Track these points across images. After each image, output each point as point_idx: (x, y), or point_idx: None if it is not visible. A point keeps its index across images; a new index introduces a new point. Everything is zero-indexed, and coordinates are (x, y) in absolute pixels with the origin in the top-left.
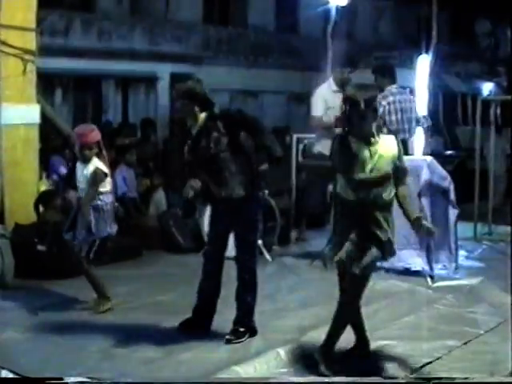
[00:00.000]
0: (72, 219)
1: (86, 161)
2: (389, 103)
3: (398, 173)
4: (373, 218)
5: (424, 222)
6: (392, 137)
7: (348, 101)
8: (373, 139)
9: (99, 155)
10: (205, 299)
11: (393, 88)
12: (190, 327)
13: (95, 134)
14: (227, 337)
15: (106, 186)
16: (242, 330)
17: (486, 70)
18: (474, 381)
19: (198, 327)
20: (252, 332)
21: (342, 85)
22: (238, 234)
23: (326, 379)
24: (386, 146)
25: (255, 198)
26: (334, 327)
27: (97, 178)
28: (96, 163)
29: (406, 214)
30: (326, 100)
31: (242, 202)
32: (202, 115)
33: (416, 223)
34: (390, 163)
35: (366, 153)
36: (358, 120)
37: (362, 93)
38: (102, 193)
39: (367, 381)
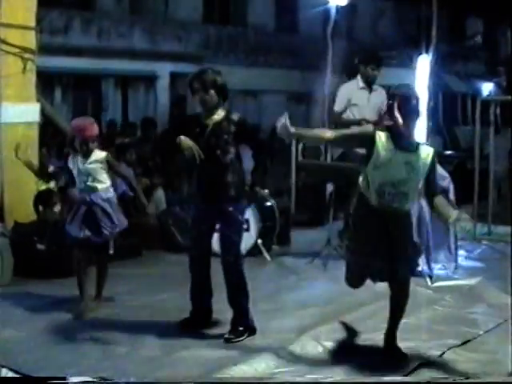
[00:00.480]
0: (85, 217)
1: (88, 154)
2: None
3: (430, 185)
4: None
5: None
6: (430, 148)
7: (398, 98)
8: (414, 142)
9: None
10: (199, 301)
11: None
12: (189, 326)
13: (95, 127)
14: (226, 336)
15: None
16: (240, 329)
17: (484, 70)
18: (474, 381)
19: (196, 326)
20: (251, 331)
21: (368, 82)
22: (224, 235)
23: (327, 379)
24: (423, 155)
25: (243, 201)
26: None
27: (113, 162)
28: (99, 153)
29: (443, 218)
30: (349, 97)
31: (231, 204)
32: (222, 112)
33: (456, 223)
34: (423, 173)
35: (405, 156)
36: (407, 118)
37: (413, 91)
38: (109, 185)
39: (367, 381)
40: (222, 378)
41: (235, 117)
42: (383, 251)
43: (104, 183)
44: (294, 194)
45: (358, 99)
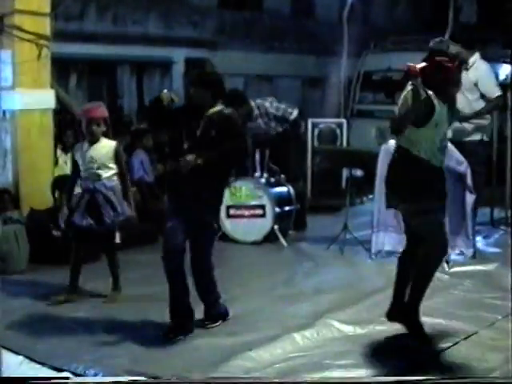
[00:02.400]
0: (86, 205)
1: (94, 140)
2: None
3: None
4: None
5: None
6: None
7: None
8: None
9: (106, 135)
10: (179, 302)
11: None
12: (172, 333)
13: (102, 110)
14: (206, 322)
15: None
16: (214, 315)
17: (502, 54)
18: (474, 380)
19: (181, 331)
20: (224, 316)
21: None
22: (195, 233)
23: (327, 379)
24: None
25: (218, 200)
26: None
27: (120, 152)
28: (109, 141)
29: None
30: None
31: (207, 202)
32: (217, 107)
33: None
34: None
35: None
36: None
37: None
38: (113, 174)
39: (368, 381)
40: (223, 378)
41: (226, 112)
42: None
43: (109, 171)
44: (309, 179)
45: None
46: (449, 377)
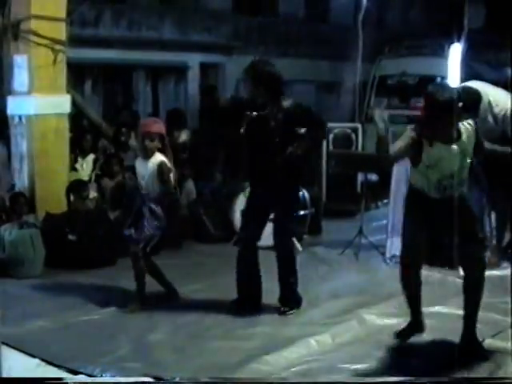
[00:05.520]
0: (135, 216)
1: (148, 155)
2: None
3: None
4: None
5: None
6: (470, 122)
7: (428, 98)
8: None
9: (163, 151)
10: (246, 289)
11: None
12: (240, 306)
13: (158, 126)
14: (282, 309)
15: None
16: (291, 302)
17: None
18: (475, 381)
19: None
20: (299, 304)
21: None
22: (277, 219)
23: (327, 379)
24: (467, 134)
25: (296, 188)
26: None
27: (164, 171)
28: (159, 157)
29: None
30: None
31: (285, 190)
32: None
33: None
34: (471, 149)
35: (455, 148)
36: (439, 117)
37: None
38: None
39: (368, 381)
40: (227, 379)
41: (288, 104)
42: (447, 239)
43: (156, 186)
44: (325, 184)
45: None
46: (449, 378)
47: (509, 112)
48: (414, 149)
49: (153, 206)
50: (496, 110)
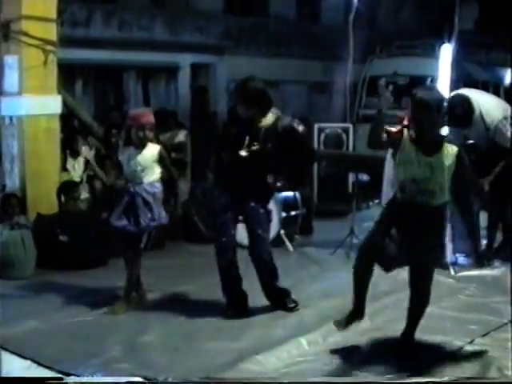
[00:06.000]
0: (125, 206)
1: (144, 144)
2: None
3: (456, 183)
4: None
5: None
6: (455, 148)
7: (414, 104)
8: (435, 145)
9: (152, 140)
10: (232, 289)
11: None
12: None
13: (151, 116)
14: (290, 306)
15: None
16: (292, 301)
17: (509, 58)
18: (474, 381)
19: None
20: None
21: None
22: (249, 228)
23: (330, 379)
24: (447, 156)
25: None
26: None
27: (165, 156)
28: (154, 145)
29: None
30: None
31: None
32: (272, 117)
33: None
34: (448, 173)
35: (426, 158)
36: (425, 124)
37: (432, 96)
38: (156, 179)
39: (368, 380)
40: (226, 379)
41: (285, 123)
42: (402, 241)
43: (151, 176)
44: (316, 184)
45: None
46: (449, 378)
47: (500, 122)
48: (394, 145)
49: (145, 195)
50: (488, 120)
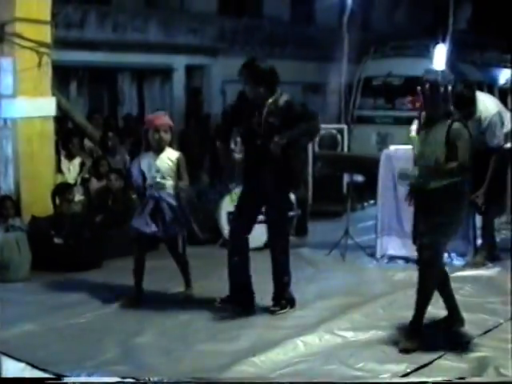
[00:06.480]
0: (150, 212)
1: (160, 148)
2: None
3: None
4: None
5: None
6: (447, 122)
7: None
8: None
9: (171, 144)
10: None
11: None
12: (229, 303)
13: (167, 118)
14: (272, 308)
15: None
16: (283, 301)
17: (503, 58)
18: (474, 381)
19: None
20: (292, 303)
21: None
22: (269, 218)
23: (327, 379)
24: (442, 131)
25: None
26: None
27: (182, 164)
28: (173, 151)
29: None
30: None
31: (276, 190)
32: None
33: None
34: (442, 147)
35: (428, 134)
36: (429, 102)
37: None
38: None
39: (368, 381)
40: (225, 379)
41: (282, 101)
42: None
43: (172, 181)
44: (311, 185)
45: None
46: (446, 379)
47: (492, 119)
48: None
49: (170, 200)
50: (484, 112)
